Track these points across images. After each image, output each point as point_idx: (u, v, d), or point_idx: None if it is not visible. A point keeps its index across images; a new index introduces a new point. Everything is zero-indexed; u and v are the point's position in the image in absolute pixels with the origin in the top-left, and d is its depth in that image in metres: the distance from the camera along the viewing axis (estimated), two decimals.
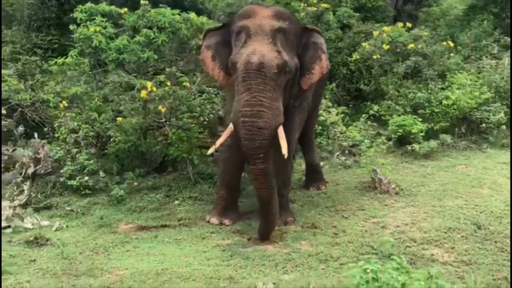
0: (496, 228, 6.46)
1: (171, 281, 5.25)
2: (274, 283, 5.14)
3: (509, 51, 11.79)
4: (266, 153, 5.88)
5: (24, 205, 7.06)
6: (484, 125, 9.91)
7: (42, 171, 7.66)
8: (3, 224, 6.56)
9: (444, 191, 7.70)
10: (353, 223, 6.66)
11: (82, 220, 6.92)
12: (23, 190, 7.26)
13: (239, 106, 5.83)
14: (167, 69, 7.58)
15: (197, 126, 8.02)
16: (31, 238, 6.20)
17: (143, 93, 7.18)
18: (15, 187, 7.34)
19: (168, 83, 7.28)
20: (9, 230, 6.51)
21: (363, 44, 11.00)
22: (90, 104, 7.84)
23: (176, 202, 7.42)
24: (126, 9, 8.16)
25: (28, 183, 7.22)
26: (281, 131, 5.97)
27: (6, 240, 6.22)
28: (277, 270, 5.54)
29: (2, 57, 9.33)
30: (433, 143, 9.36)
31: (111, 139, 8.19)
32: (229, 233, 6.49)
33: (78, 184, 7.42)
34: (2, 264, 5.53)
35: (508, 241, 6.17)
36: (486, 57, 11.97)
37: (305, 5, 12.24)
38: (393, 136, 9.44)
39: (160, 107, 7.21)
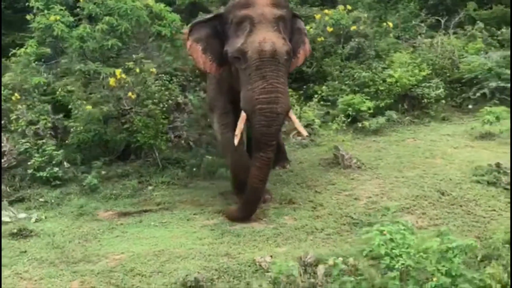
0: (458, 194, 6.94)
1: (171, 261, 5.39)
2: (271, 256, 5.37)
3: (440, 30, 12.50)
4: (277, 140, 6.25)
5: None
6: (425, 100, 10.48)
7: (6, 165, 7.51)
8: None
9: (401, 163, 8.15)
10: (327, 197, 6.98)
11: (58, 211, 6.90)
12: None
13: (254, 94, 5.93)
14: (134, 56, 7.59)
15: (160, 112, 8.05)
16: (15, 230, 6.17)
17: (112, 81, 7.17)
18: None
19: (137, 70, 7.30)
20: None
21: (307, 27, 11.31)
22: (55, 94, 7.70)
23: (150, 187, 7.50)
24: None
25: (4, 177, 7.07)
26: (292, 115, 6.34)
27: None
28: (269, 244, 5.77)
29: None
30: (381, 119, 9.84)
31: (72, 129, 8.12)
32: (212, 213, 6.65)
33: (48, 175, 7.36)
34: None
35: (472, 204, 6.67)
36: (421, 36, 12.59)
37: None
38: (342, 115, 9.77)
39: (130, 94, 7.22)
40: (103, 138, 7.98)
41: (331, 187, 7.32)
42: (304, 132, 6.72)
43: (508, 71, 11.09)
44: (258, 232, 6.03)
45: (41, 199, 7.09)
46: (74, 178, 7.63)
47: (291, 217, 6.43)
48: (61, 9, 7.76)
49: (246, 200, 6.33)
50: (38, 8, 7.90)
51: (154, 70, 7.59)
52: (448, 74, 11.26)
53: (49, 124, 8.18)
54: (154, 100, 7.78)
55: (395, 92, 10.44)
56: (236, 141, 6.16)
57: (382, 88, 10.41)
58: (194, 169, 7.76)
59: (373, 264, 4.57)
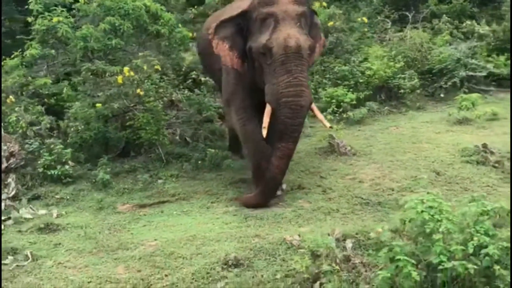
0: (452, 173, 7.48)
1: (206, 244, 5.69)
2: (299, 235, 5.74)
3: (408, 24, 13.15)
4: (300, 132, 6.60)
5: (13, 198, 7.04)
6: (402, 91, 11.06)
7: (14, 165, 7.62)
8: (3, 217, 6.57)
9: (391, 149, 8.65)
10: (333, 181, 7.40)
11: (77, 206, 7.07)
12: (6, 184, 7.21)
13: (279, 87, 6.23)
14: (139, 54, 7.84)
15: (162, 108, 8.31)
16: (42, 225, 6.31)
17: (120, 79, 7.40)
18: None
19: (145, 67, 7.55)
20: (10, 222, 6.52)
21: None
22: (61, 95, 7.86)
23: (160, 181, 7.73)
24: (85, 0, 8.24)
25: (13, 176, 7.18)
26: (315, 107, 6.73)
27: (16, 230, 6.30)
28: (292, 225, 6.15)
29: None
30: (363, 110, 10.35)
31: (72, 129, 8.29)
32: (228, 201, 6.96)
33: (59, 173, 7.50)
34: (30, 249, 5.67)
35: (467, 182, 7.22)
36: (390, 31, 13.21)
37: None
38: (334, 106, 10.23)
39: (139, 90, 7.46)
40: (106, 136, 8.14)
41: (333, 172, 7.74)
42: (327, 124, 6.95)
43: (474, 61, 11.83)
44: (279, 215, 6.38)
45: (56, 196, 7.24)
46: (83, 175, 7.79)
47: (305, 201, 6.81)
48: (62, 11, 7.91)
49: (265, 188, 6.63)
50: (37, 10, 8.03)
51: (158, 67, 7.85)
52: (419, 66, 11.85)
53: (48, 125, 8.33)
54: (156, 97, 8.00)
55: (373, 84, 10.98)
56: (264, 133, 6.45)
57: (362, 80, 10.93)
58: (199, 162, 8.02)
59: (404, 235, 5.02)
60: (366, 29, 12.44)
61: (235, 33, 6.78)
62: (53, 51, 7.88)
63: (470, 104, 9.82)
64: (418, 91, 11.22)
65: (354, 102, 10.41)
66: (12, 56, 8.34)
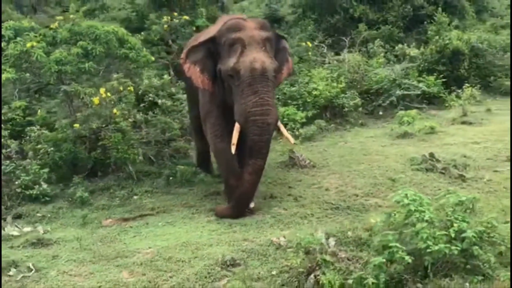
0: (406, 179, 8.23)
1: (200, 249, 6.12)
2: (284, 237, 6.28)
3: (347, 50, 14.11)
4: (268, 148, 7.02)
5: None
6: (345, 109, 11.89)
7: None
8: None
9: (346, 161, 9.37)
10: (301, 190, 7.99)
11: (60, 222, 7.29)
12: None
13: (247, 107, 6.70)
14: (114, 75, 8.19)
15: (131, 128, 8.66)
16: (34, 241, 6.53)
17: (96, 100, 7.73)
18: None
19: (121, 88, 7.92)
20: None
21: None
22: (36, 116, 8.08)
23: (135, 197, 8.05)
24: (56, 24, 8.51)
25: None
26: (281, 125, 7.26)
27: (7, 246, 6.45)
28: (274, 229, 6.66)
29: None
30: (313, 127, 11.08)
31: (41, 151, 8.51)
32: (208, 211, 7.38)
33: (38, 192, 7.70)
34: (30, 262, 5.91)
35: (421, 186, 7.98)
36: (325, 55, 14.12)
37: (169, 17, 13.35)
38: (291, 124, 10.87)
39: (115, 111, 7.81)
40: (77, 156, 8.39)
41: (299, 182, 8.34)
42: (292, 140, 7.60)
43: (407, 81, 12.88)
44: (261, 221, 6.89)
45: (38, 214, 7.42)
46: (58, 194, 8.01)
47: (281, 208, 7.35)
48: (35, 36, 8.17)
49: (237, 202, 7.07)
50: (9, 36, 8.26)
51: (131, 88, 8.24)
52: (358, 86, 12.77)
53: (17, 148, 8.52)
54: (127, 117, 8.36)
55: (319, 103, 11.76)
56: (233, 150, 6.92)
57: (309, 100, 11.68)
58: (171, 178, 8.41)
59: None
60: (310, 53, 13.22)
61: (205, 57, 7.26)
62: (27, 74, 8.07)
63: (411, 119, 10.71)
64: (360, 109, 12.05)
65: (304, 120, 11.09)
66: None
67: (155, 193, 8.19)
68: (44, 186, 7.72)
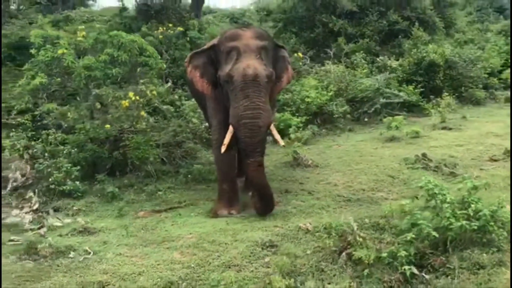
0: (404, 177, 9.08)
1: (237, 233, 6.80)
2: (310, 223, 7.05)
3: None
4: (263, 147, 7.46)
5: (36, 210, 7.75)
6: (335, 115, 12.79)
7: (26, 184, 8.31)
8: (36, 225, 7.29)
9: (345, 161, 10.21)
10: (312, 186, 8.77)
11: (96, 215, 7.86)
12: (26, 199, 7.91)
13: (239, 111, 7.10)
14: (140, 81, 8.85)
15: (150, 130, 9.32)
16: (81, 229, 7.12)
17: (125, 103, 8.37)
18: (15, 198, 7.93)
19: (148, 92, 8.58)
20: (44, 229, 7.24)
21: None
22: (67, 118, 8.65)
23: (160, 192, 8.67)
24: (84, 32, 9.12)
25: (36, 192, 7.90)
26: (273, 128, 7.55)
27: (56, 235, 7.02)
28: (298, 217, 7.39)
29: None
30: (308, 132, 11.91)
31: (65, 151, 9.09)
32: None
33: (71, 188, 8.27)
34: (82, 246, 6.52)
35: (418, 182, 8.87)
36: (318, 65, 15.03)
37: (164, 28, 14.05)
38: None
39: (142, 113, 8.47)
40: (100, 156, 8.98)
41: (308, 179, 9.12)
42: (282, 143, 7.78)
43: (389, 90, 13.87)
44: (284, 211, 7.63)
45: (74, 208, 7.99)
46: (87, 190, 8.58)
47: (298, 201, 8.10)
48: (64, 43, 8.77)
49: (262, 200, 7.44)
50: (39, 43, 8.83)
51: (155, 92, 8.91)
52: (345, 95, 13.69)
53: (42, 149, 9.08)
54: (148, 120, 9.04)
55: (311, 110, 12.61)
56: (222, 150, 7.40)
57: (302, 106, 12.52)
58: (189, 176, 9.09)
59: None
60: (300, 63, 14.09)
61: (206, 63, 7.81)
62: (59, 79, 8.64)
63: (399, 124, 11.66)
64: (348, 115, 12.97)
65: (300, 125, 11.91)
66: (18, 84, 9.00)
67: (177, 189, 8.83)
68: (77, 182, 8.24)
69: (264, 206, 7.48)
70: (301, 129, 11.89)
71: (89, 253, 6.40)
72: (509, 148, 10.10)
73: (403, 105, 14.12)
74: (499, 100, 16.10)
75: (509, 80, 17.06)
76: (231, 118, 7.29)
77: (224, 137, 7.53)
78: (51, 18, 20.94)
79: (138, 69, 9.07)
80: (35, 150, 8.94)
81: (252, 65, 7.17)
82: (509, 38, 21.24)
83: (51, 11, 25.27)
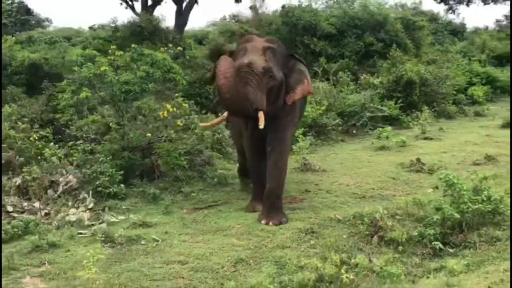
0: (404, 178, 10.37)
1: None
2: (338, 214, 8.22)
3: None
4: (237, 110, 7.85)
5: (91, 209, 8.66)
6: (328, 128, 14.07)
7: (74, 187, 9.22)
8: (94, 222, 8.22)
9: (347, 166, 11.44)
10: (327, 186, 9.92)
11: (144, 213, 8.75)
12: (80, 199, 8.82)
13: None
14: (175, 94, 9.91)
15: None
16: (140, 223, 8.07)
17: (165, 113, 9.41)
18: (67, 198, 8.83)
19: (184, 105, 9.65)
20: (104, 224, 8.16)
21: None
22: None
23: (193, 194, 9.65)
24: (121, 52, 10.13)
25: (90, 193, 8.82)
26: (261, 113, 7.74)
27: (119, 228, 7.95)
28: (326, 210, 8.49)
29: None
30: (307, 142, 13.11)
31: (101, 159, 10.03)
32: None
33: (116, 190, 9.21)
34: (150, 236, 7.51)
35: (417, 182, 10.17)
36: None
37: (166, 48, 15.09)
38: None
39: (178, 122, 9.52)
40: (136, 162, 9.95)
41: (321, 181, 10.27)
42: (262, 124, 7.79)
43: (373, 105, 15.26)
44: (312, 205, 8.76)
45: (123, 207, 8.92)
46: (128, 193, 9.52)
47: (320, 198, 9.23)
48: (104, 61, 9.76)
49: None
50: (81, 62, 9.82)
51: (187, 105, 9.98)
52: (334, 109, 15.01)
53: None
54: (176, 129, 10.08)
55: (307, 123, 13.85)
56: (206, 124, 8.98)
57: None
58: (215, 180, 10.14)
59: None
60: None
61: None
62: (102, 93, 9.62)
63: (389, 134, 13.02)
64: (340, 127, 14.28)
65: (300, 136, 13.11)
66: (63, 98, 9.91)
67: (208, 191, 9.83)
68: (122, 185, 9.18)
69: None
70: (300, 139, 13.01)
71: (157, 240, 7.37)
72: (489, 154, 11.59)
73: (385, 119, 15.48)
74: (468, 114, 17.71)
75: (475, 96, 18.74)
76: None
77: (247, 144, 8.64)
78: (15, 39, 21.65)
79: (167, 84, 10.06)
80: (74, 158, 9.79)
81: (251, 57, 7.77)
82: (469, 58, 23.12)
83: (9, 32, 25.94)
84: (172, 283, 6.12)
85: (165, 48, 14.76)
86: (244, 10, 48.66)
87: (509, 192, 7.41)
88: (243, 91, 7.53)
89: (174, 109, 9.48)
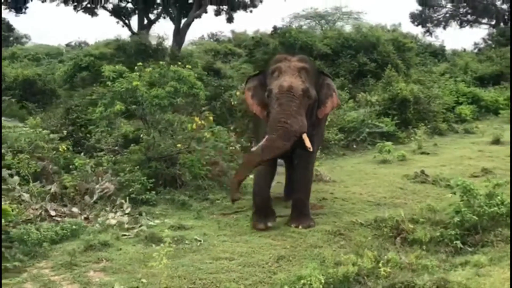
0: (410, 189, 11.14)
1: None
2: (358, 219, 8.95)
3: None
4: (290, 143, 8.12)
5: (128, 214, 9.25)
6: (331, 142, 14.86)
7: (109, 193, 9.80)
8: (133, 224, 8.81)
9: (356, 178, 12.19)
10: (342, 194, 10.64)
11: (176, 217, 9.34)
12: (117, 205, 9.42)
13: (273, 115, 8.01)
14: (202, 108, 10.59)
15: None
16: (178, 226, 8.66)
17: (194, 125, 10.07)
18: (105, 204, 9.43)
19: (210, 118, 10.33)
20: (144, 227, 8.74)
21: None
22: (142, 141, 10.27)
23: (218, 201, 10.30)
24: (150, 68, 10.80)
25: (127, 199, 9.42)
26: (305, 136, 8.16)
27: (158, 229, 8.52)
28: (346, 216, 9.20)
29: None
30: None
31: (128, 168, 10.63)
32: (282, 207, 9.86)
33: (148, 197, 9.81)
34: (192, 237, 8.13)
35: (423, 193, 10.96)
36: None
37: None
38: None
39: (206, 134, 10.19)
40: (162, 172, 10.56)
41: (335, 191, 11.00)
42: (308, 144, 8.26)
43: (371, 121, 16.11)
44: (331, 211, 9.46)
45: (156, 212, 9.52)
46: (157, 200, 10.11)
47: (337, 205, 9.95)
48: (135, 76, 10.41)
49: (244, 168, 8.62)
50: (112, 77, 10.46)
51: (211, 118, 10.67)
52: (335, 125, 15.82)
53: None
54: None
55: None
56: (253, 149, 8.45)
57: None
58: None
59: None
60: None
61: (257, 86, 8.77)
62: (134, 106, 10.26)
63: (391, 149, 13.85)
64: (342, 142, 15.09)
65: None
66: (98, 111, 10.51)
67: (228, 199, 10.47)
68: (153, 192, 9.80)
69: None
70: None
71: (199, 240, 8.00)
72: (485, 167, 12.46)
73: (382, 135, 16.33)
74: (458, 131, 18.68)
75: (463, 115, 19.76)
76: (268, 126, 8.15)
77: (271, 156, 8.32)
78: None
79: (189, 99, 10.75)
80: (104, 167, 10.40)
81: (288, 79, 8.05)
82: (453, 78, 24.22)
83: None
84: (225, 275, 6.74)
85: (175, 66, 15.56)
86: (223, 29, 49.86)
87: None
88: (288, 126, 7.93)
89: (202, 122, 10.13)
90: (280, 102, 7.98)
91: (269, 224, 8.53)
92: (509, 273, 6.10)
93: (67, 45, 44.75)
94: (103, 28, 69.13)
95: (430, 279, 6.00)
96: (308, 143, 8.19)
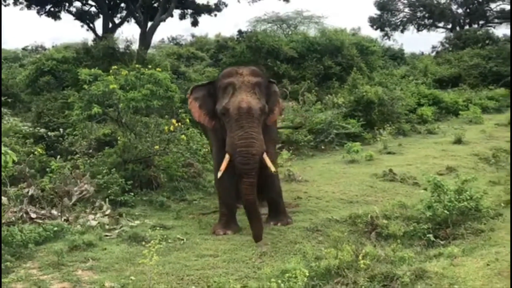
0: (380, 187, 11.50)
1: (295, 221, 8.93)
2: (333, 216, 9.29)
3: None
4: (255, 172, 8.05)
5: (107, 215, 9.38)
6: (301, 143, 15.20)
7: (87, 195, 9.92)
8: (114, 225, 8.96)
9: (326, 177, 12.52)
10: (315, 193, 10.95)
11: (157, 217, 9.53)
12: (96, 206, 9.54)
13: (234, 140, 7.91)
14: (179, 110, 10.76)
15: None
16: (159, 226, 8.81)
17: (171, 127, 10.25)
18: (85, 206, 9.54)
19: (187, 120, 10.53)
20: (125, 227, 8.90)
21: None
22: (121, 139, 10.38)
23: (195, 201, 10.52)
24: (126, 71, 10.92)
25: (106, 200, 9.55)
26: (265, 156, 8.17)
27: (140, 230, 8.69)
28: (322, 213, 9.57)
29: None
30: (284, 156, 14.19)
31: (104, 171, 10.76)
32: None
33: (127, 198, 9.96)
34: (174, 236, 8.34)
35: (393, 190, 11.38)
36: None
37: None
38: None
39: (182, 136, 10.38)
40: (139, 174, 10.72)
41: (307, 190, 11.29)
42: (273, 169, 8.43)
43: (338, 123, 16.52)
44: (308, 210, 9.77)
45: (136, 213, 9.67)
46: (136, 202, 10.25)
47: (312, 203, 10.27)
48: (112, 80, 10.53)
49: (252, 219, 8.14)
50: (89, 80, 10.56)
51: (188, 120, 10.86)
52: (303, 127, 16.18)
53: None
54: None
55: (281, 139, 14.94)
56: (219, 175, 8.22)
57: None
58: (208, 189, 11.03)
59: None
60: None
61: (205, 96, 8.71)
62: (111, 109, 10.38)
63: (358, 149, 14.26)
64: (311, 143, 15.46)
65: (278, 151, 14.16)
66: (75, 114, 10.58)
67: (208, 199, 10.70)
68: (131, 194, 9.94)
69: (253, 232, 8.06)
70: (283, 154, 14.08)
71: (182, 239, 8.21)
72: (450, 165, 12.97)
73: (349, 135, 16.75)
74: (420, 132, 19.23)
75: (424, 116, 20.37)
76: (227, 147, 8.09)
77: (219, 165, 8.30)
78: None
79: (165, 101, 10.93)
80: (81, 170, 10.50)
81: (246, 99, 8.00)
82: (414, 81, 24.91)
83: None
84: (211, 271, 6.98)
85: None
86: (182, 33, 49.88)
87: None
88: (250, 141, 7.96)
89: (179, 124, 10.32)
90: (240, 125, 7.96)
91: (228, 232, 8.54)
92: (482, 262, 6.47)
93: (24, 49, 44.08)
94: (61, 32, 68.43)
95: (409, 269, 6.32)
96: (270, 165, 8.31)
